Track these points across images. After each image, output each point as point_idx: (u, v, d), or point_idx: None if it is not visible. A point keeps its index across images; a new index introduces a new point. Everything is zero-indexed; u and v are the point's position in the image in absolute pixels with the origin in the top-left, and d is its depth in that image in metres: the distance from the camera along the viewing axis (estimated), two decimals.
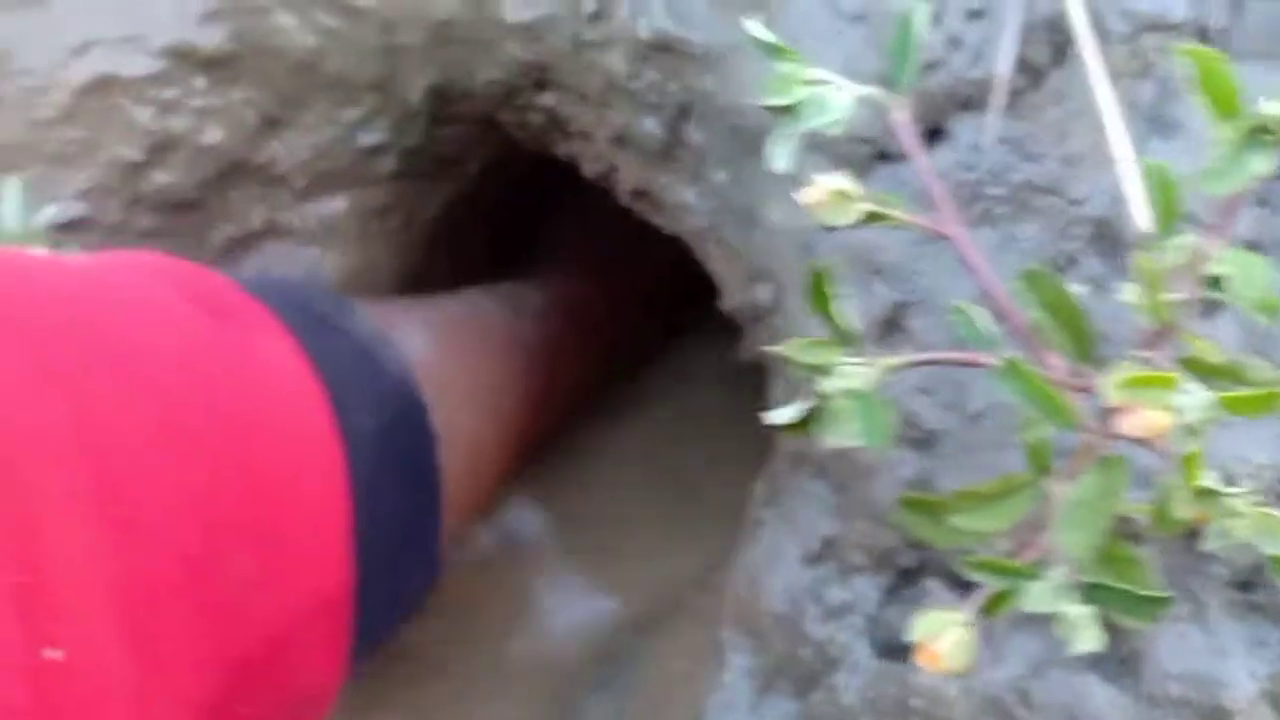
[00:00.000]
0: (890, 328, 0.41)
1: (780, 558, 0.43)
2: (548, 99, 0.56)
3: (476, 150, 0.63)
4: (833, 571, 0.42)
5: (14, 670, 0.22)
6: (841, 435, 0.21)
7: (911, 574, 0.41)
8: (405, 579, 0.39)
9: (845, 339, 0.22)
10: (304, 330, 0.36)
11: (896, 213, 0.28)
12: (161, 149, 0.51)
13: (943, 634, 0.26)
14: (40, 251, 0.42)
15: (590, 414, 0.69)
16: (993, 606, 0.27)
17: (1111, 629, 0.37)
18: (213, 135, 0.52)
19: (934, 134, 0.40)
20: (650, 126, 0.52)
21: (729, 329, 0.56)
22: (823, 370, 0.22)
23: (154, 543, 0.26)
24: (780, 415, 0.23)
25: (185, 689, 0.27)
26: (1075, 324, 0.24)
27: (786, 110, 0.28)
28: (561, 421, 0.67)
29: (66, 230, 0.50)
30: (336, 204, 0.58)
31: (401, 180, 0.60)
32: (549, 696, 0.50)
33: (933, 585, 0.40)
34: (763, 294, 0.45)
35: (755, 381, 0.71)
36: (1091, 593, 0.24)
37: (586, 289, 0.71)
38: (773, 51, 0.28)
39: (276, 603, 0.30)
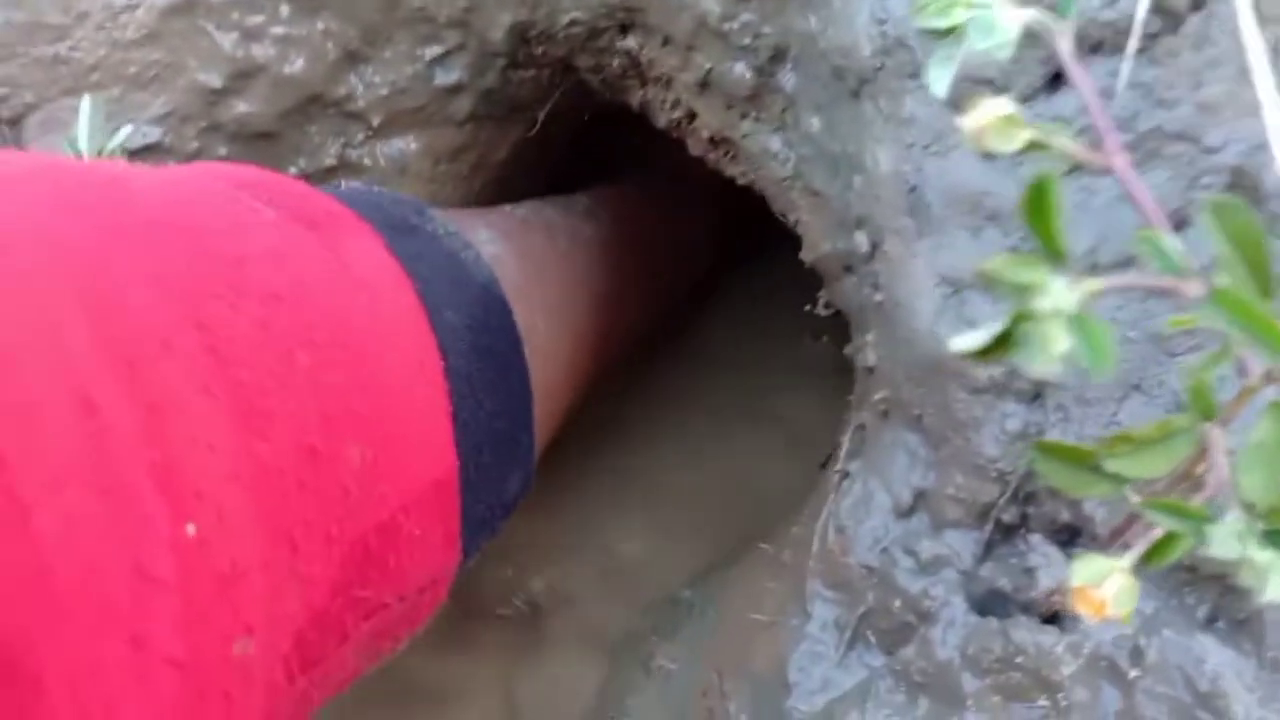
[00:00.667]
0: None
1: (870, 510, 0.42)
2: (630, 42, 0.55)
3: (547, 97, 0.62)
4: (925, 524, 0.41)
5: (160, 544, 0.22)
6: (1050, 359, 0.20)
7: (1011, 530, 0.40)
8: (501, 474, 0.39)
9: (1055, 258, 0.21)
10: (391, 233, 0.36)
11: (1060, 141, 0.27)
12: (242, 76, 0.50)
13: (1106, 580, 0.25)
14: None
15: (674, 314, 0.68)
16: (1157, 553, 0.26)
17: (1227, 590, 0.36)
18: (293, 65, 0.51)
19: (1057, 78, 0.39)
20: (740, 70, 0.51)
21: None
22: (1029, 290, 0.20)
23: (275, 431, 0.27)
24: (968, 340, 0.22)
25: (310, 570, 0.27)
26: (1260, 259, 0.23)
27: (947, 33, 0.27)
28: (642, 321, 0.67)
29: (140, 155, 0.49)
30: (409, 143, 0.57)
31: (473, 123, 0.59)
32: (622, 646, 0.50)
33: (1035, 540, 0.39)
34: (860, 241, 0.44)
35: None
36: (1273, 538, 0.23)
37: (644, 195, 0.73)
38: None
39: (389, 488, 0.31)
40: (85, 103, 0.41)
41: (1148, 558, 0.27)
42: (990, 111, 0.27)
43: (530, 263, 0.50)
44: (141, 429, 0.23)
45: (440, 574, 0.35)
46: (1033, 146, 0.27)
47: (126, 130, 0.43)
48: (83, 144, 0.42)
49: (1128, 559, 0.26)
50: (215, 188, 0.33)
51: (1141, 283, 0.23)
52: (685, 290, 0.77)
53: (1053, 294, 0.21)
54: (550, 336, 0.48)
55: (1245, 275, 0.24)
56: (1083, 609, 0.26)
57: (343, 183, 0.55)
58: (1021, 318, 0.21)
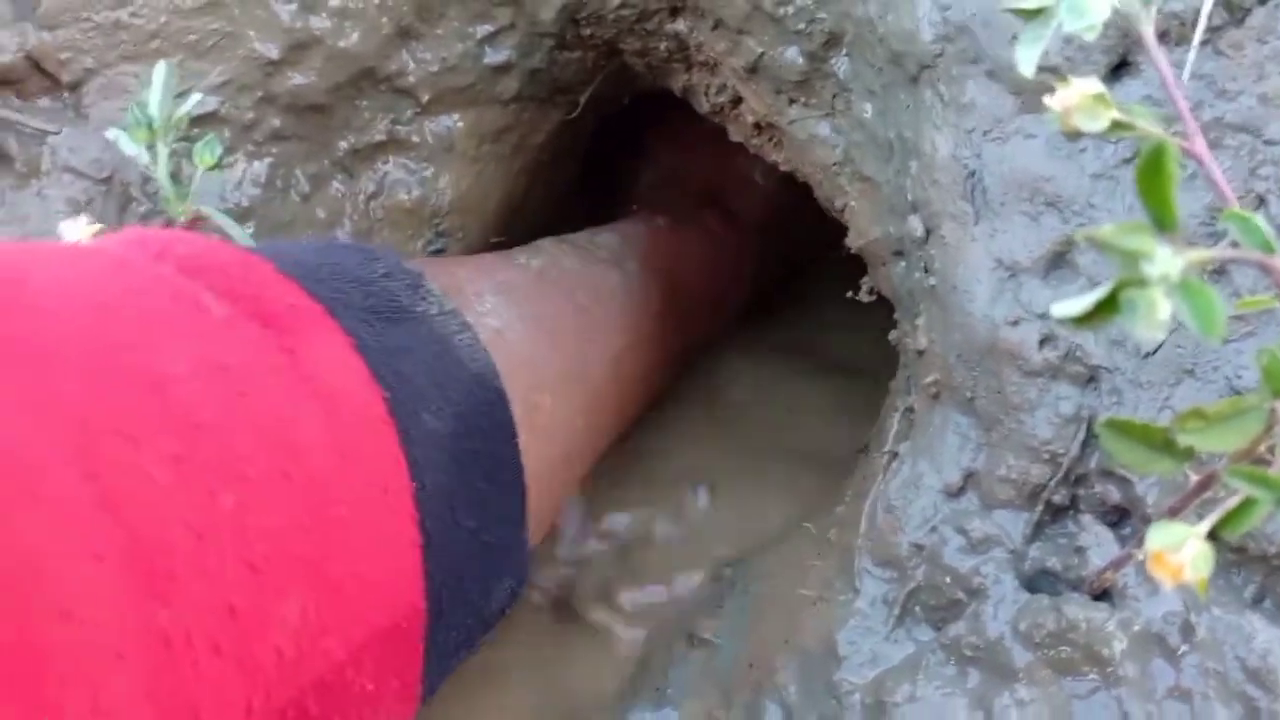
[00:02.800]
0: (1057, 262, 0.41)
1: (920, 490, 0.43)
2: (680, 25, 0.56)
3: (590, 79, 0.63)
4: (975, 504, 0.42)
5: None
6: (1155, 324, 0.21)
7: (1061, 510, 0.41)
8: (484, 591, 0.35)
9: (1164, 225, 0.22)
10: (363, 324, 0.32)
11: (1142, 123, 0.27)
12: (299, 48, 0.50)
13: (1183, 546, 0.26)
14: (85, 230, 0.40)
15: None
16: (1231, 521, 0.26)
17: (1274, 570, 0.37)
18: (349, 39, 0.51)
19: (1119, 66, 0.39)
20: (791, 56, 0.51)
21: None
22: (1139, 256, 0.21)
23: (179, 594, 0.23)
24: (1070, 307, 0.22)
25: None
26: None
27: (1036, 14, 0.27)
28: (668, 370, 0.62)
29: (197, 123, 0.49)
30: (455, 121, 0.57)
31: (518, 104, 0.59)
32: (662, 621, 0.50)
33: (1086, 521, 0.40)
34: (915, 225, 0.45)
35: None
36: None
37: (676, 233, 0.68)
38: None
39: (335, 640, 0.27)
40: (159, 68, 0.42)
41: (1222, 525, 0.28)
42: (1079, 90, 0.27)
43: (543, 330, 0.45)
44: (7, 628, 0.20)
45: (400, 714, 0.31)
46: (1117, 127, 0.28)
47: (195, 98, 0.44)
48: (153, 109, 0.42)
49: (1204, 525, 0.27)
50: (157, 279, 0.29)
51: (1239, 256, 0.24)
52: (718, 331, 0.71)
53: (1160, 261, 0.21)
54: (559, 411, 0.44)
55: None
56: (1159, 573, 0.27)
57: (387, 161, 0.55)
58: (1126, 283, 0.22)
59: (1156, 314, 0.22)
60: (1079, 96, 0.27)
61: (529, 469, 0.37)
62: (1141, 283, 0.22)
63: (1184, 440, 0.28)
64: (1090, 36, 0.28)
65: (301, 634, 0.26)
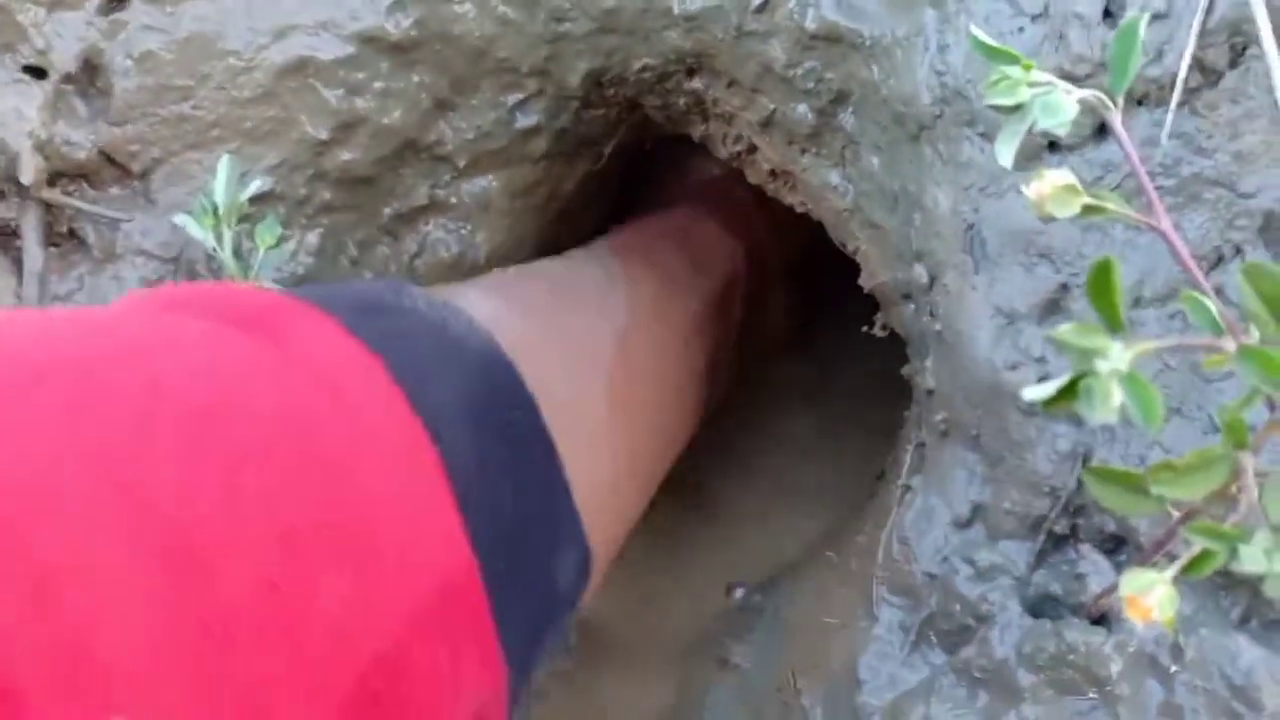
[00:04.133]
0: (1052, 309, 0.44)
1: (931, 522, 0.46)
2: (696, 83, 0.59)
3: (614, 132, 0.67)
4: (983, 536, 0.45)
5: None
6: (1108, 411, 0.24)
7: (1062, 540, 0.44)
8: (544, 560, 0.34)
9: (1113, 326, 0.25)
10: (353, 314, 0.31)
11: (1111, 205, 0.30)
12: (346, 128, 0.54)
13: (1151, 590, 0.29)
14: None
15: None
16: (1195, 566, 0.30)
17: (1258, 593, 0.40)
18: (391, 116, 0.55)
19: (1103, 127, 0.42)
20: (802, 112, 0.55)
21: None
22: (1094, 353, 0.24)
23: (219, 576, 0.22)
24: (1039, 391, 0.26)
25: None
26: None
27: (1013, 110, 0.31)
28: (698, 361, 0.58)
29: (255, 202, 0.53)
30: (490, 181, 0.61)
31: (547, 160, 0.63)
32: (694, 648, 0.54)
33: (1085, 550, 0.43)
34: (920, 273, 0.48)
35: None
36: None
37: (695, 220, 0.67)
38: (995, 54, 0.31)
39: (388, 609, 0.26)
40: (224, 162, 0.46)
41: (1187, 569, 0.31)
42: (1051, 181, 0.31)
43: (535, 317, 0.44)
44: (32, 618, 0.19)
45: (489, 698, 0.30)
46: (1089, 210, 0.31)
47: (255, 184, 0.48)
48: (219, 198, 0.47)
49: (1169, 572, 0.30)
50: (127, 316, 0.29)
51: (1187, 343, 0.27)
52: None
53: (1111, 358, 0.25)
54: (573, 390, 0.42)
55: (1273, 329, 0.28)
56: (1132, 614, 0.30)
57: (429, 223, 0.60)
58: (1083, 375, 0.25)
59: (1110, 402, 0.25)
60: (1051, 187, 0.31)
61: (563, 452, 0.36)
62: (1095, 374, 0.25)
63: (1156, 490, 0.31)
64: (1062, 132, 0.31)
65: (350, 607, 0.25)
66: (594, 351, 0.46)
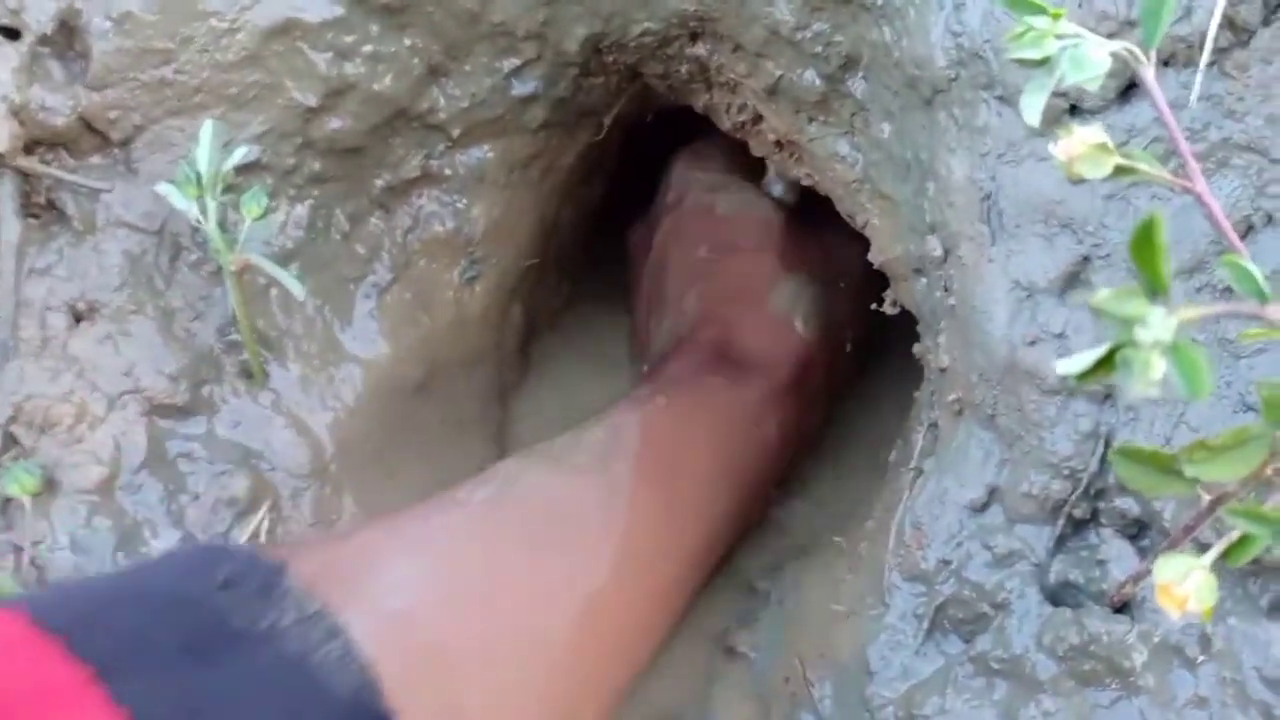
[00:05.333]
0: (1072, 282, 0.42)
1: (945, 506, 0.44)
2: (699, 49, 0.57)
3: (613, 102, 0.64)
4: (999, 520, 0.43)
5: None
6: (1149, 384, 0.22)
7: (1082, 524, 0.42)
8: None
9: (1156, 290, 0.23)
10: (158, 676, 0.28)
11: (1144, 166, 0.28)
12: (335, 94, 0.52)
13: (1187, 577, 0.27)
14: None
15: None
16: (1235, 552, 0.28)
17: None
18: (382, 82, 0.53)
19: (1128, 89, 0.40)
20: (809, 78, 0.52)
21: None
22: (1133, 320, 0.22)
23: None
24: (1072, 364, 0.24)
25: None
26: None
27: (1040, 64, 0.28)
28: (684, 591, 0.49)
29: (241, 173, 0.51)
30: (486, 152, 0.59)
31: (545, 131, 0.61)
32: (704, 634, 0.52)
33: (1106, 534, 0.41)
34: (933, 246, 0.46)
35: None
36: None
37: (692, 411, 0.54)
38: (1020, 4, 0.29)
39: None
40: (206, 127, 0.44)
41: (1226, 556, 0.29)
42: (1082, 140, 0.28)
43: (465, 602, 0.39)
44: None
45: None
46: (1120, 171, 0.29)
47: (240, 152, 0.46)
48: (201, 165, 0.45)
49: (1208, 558, 0.28)
50: None
51: (1232, 310, 0.25)
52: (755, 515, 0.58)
53: (1153, 325, 0.22)
54: (501, 699, 0.38)
55: None
56: (1164, 604, 0.28)
57: (422, 195, 0.57)
58: (1122, 345, 0.23)
59: (1150, 374, 0.23)
60: (1082, 145, 0.28)
61: None
62: (1136, 344, 0.23)
63: (1190, 471, 0.29)
64: (1093, 87, 0.29)
65: None
66: (547, 634, 0.40)
